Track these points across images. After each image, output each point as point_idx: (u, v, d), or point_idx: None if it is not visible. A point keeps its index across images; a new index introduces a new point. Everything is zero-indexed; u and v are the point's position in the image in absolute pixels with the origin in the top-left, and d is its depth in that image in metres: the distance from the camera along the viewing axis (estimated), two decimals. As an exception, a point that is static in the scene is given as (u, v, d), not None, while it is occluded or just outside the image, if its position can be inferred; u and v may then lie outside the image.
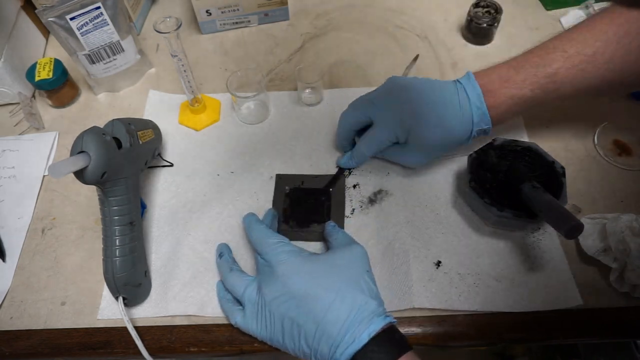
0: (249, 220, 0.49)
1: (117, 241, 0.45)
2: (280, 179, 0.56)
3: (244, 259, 0.51)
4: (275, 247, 0.44)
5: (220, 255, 0.49)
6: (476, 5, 0.68)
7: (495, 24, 0.66)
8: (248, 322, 0.43)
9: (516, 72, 0.47)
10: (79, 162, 0.40)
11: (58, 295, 0.50)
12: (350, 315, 0.37)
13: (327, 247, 0.50)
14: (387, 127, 0.49)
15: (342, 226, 0.52)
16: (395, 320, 0.39)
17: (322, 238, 0.52)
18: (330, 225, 0.50)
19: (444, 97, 0.48)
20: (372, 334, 0.36)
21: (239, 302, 0.46)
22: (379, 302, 0.40)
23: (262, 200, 0.55)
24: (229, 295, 0.47)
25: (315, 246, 0.52)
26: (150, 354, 0.46)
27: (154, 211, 0.55)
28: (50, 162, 0.61)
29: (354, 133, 0.54)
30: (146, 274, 0.49)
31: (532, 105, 0.48)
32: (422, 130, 0.48)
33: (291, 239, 0.47)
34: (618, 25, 0.44)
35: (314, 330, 0.38)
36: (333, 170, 0.57)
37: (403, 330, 0.46)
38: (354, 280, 0.40)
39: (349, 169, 0.57)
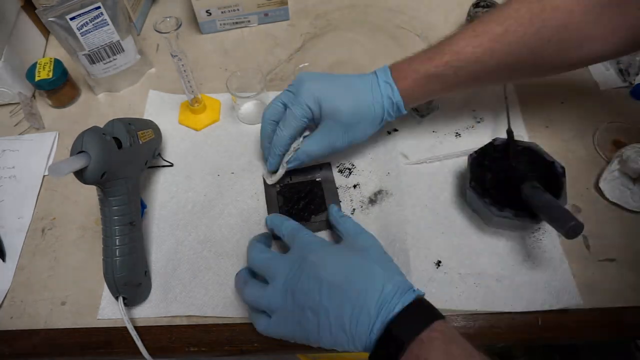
0: (281, 219, 0.49)
1: (117, 241, 0.45)
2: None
3: (244, 258, 0.51)
4: (310, 239, 0.44)
5: (245, 282, 0.46)
6: (476, 5, 0.68)
7: (495, 24, 0.66)
8: (278, 324, 0.42)
9: (424, 53, 0.49)
10: (79, 162, 0.40)
11: (58, 295, 0.50)
12: (384, 292, 0.38)
13: (337, 235, 0.50)
14: (299, 104, 0.49)
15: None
16: (423, 292, 0.40)
17: (327, 226, 0.52)
18: (334, 210, 0.51)
19: (353, 76, 0.51)
20: (405, 304, 0.37)
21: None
22: (404, 277, 0.41)
23: (262, 200, 0.55)
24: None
25: (322, 235, 0.52)
26: (150, 354, 0.46)
27: (154, 211, 0.55)
28: (50, 162, 0.61)
29: (274, 124, 0.53)
30: (146, 274, 0.49)
31: (442, 83, 0.49)
32: (332, 98, 0.49)
33: None
34: (532, 3, 0.44)
35: (351, 313, 0.38)
36: (333, 170, 0.57)
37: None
38: (378, 261, 0.41)
39: (348, 171, 0.57)
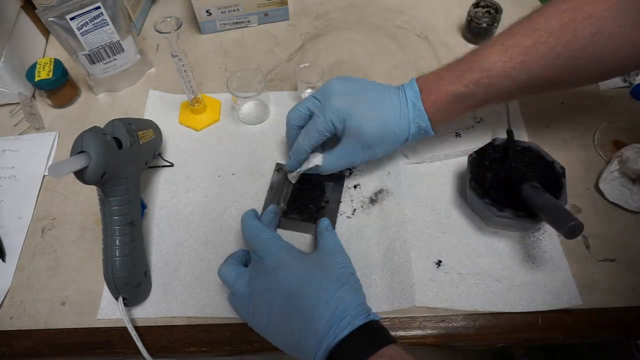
0: (244, 216, 0.48)
1: (117, 241, 0.45)
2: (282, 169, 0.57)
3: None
4: (267, 243, 0.44)
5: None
6: (476, 5, 0.68)
7: (495, 24, 0.66)
8: (238, 305, 0.44)
9: (452, 70, 0.47)
10: (79, 162, 0.40)
11: (58, 295, 0.50)
12: (335, 313, 0.38)
13: (315, 244, 0.50)
14: (323, 115, 0.49)
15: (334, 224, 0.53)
16: (379, 317, 0.40)
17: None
18: (324, 223, 0.50)
19: (381, 92, 0.49)
20: (352, 329, 0.37)
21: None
22: (362, 301, 0.41)
23: (263, 201, 0.55)
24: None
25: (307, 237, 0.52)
26: (150, 354, 0.46)
27: (154, 211, 0.55)
28: (50, 162, 0.61)
29: (298, 130, 0.52)
30: (146, 274, 0.49)
31: (472, 102, 0.47)
32: (357, 119, 0.48)
33: (286, 228, 0.52)
34: (562, 12, 0.43)
35: (300, 326, 0.39)
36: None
37: (403, 330, 0.47)
38: (340, 281, 0.41)
39: (348, 171, 0.57)
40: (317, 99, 0.50)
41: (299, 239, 0.52)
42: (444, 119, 0.49)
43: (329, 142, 0.53)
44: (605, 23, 0.42)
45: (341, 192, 0.55)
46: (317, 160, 0.52)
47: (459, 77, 0.46)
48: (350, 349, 0.37)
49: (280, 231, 0.53)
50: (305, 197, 0.55)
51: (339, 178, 0.56)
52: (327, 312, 0.38)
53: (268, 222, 0.49)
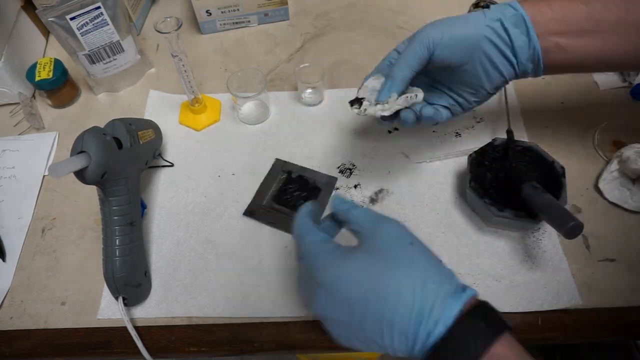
0: (297, 216, 0.38)
1: (117, 241, 0.45)
2: (280, 164, 0.57)
3: (244, 259, 0.51)
4: (316, 248, 0.35)
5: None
6: (476, 5, 0.68)
7: (495, 24, 0.66)
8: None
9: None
10: (79, 162, 0.40)
11: (58, 295, 0.50)
12: (417, 304, 0.29)
13: (352, 233, 0.38)
14: (420, 41, 0.42)
15: None
16: (475, 291, 0.31)
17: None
18: (338, 201, 0.38)
19: (471, 21, 0.42)
20: (450, 322, 0.29)
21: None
22: (443, 275, 0.31)
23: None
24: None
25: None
26: (150, 354, 0.46)
27: (154, 211, 0.55)
28: (50, 162, 0.61)
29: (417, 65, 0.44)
30: (146, 274, 0.49)
31: (583, 32, 0.40)
32: (447, 43, 0.42)
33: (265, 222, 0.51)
34: None
35: (380, 333, 0.30)
36: (334, 171, 0.57)
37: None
38: (405, 260, 0.32)
39: (348, 171, 0.57)
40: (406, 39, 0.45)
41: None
42: (562, 48, 0.41)
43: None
44: None
45: (327, 197, 0.54)
46: (418, 93, 0.44)
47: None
48: (453, 350, 0.28)
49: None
50: (294, 193, 0.55)
51: (329, 182, 0.56)
52: (407, 308, 0.29)
53: (314, 220, 0.38)
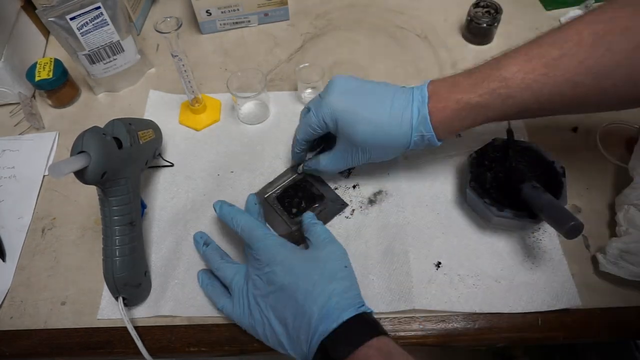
0: (233, 211, 0.47)
1: (117, 241, 0.45)
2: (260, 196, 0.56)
3: (244, 259, 0.51)
4: (264, 239, 0.44)
5: (206, 244, 0.50)
6: (476, 5, 0.68)
7: (495, 24, 0.66)
8: (234, 308, 0.45)
9: (469, 76, 0.43)
10: (79, 162, 0.40)
11: (58, 295, 0.50)
12: (327, 305, 0.38)
13: (306, 243, 0.48)
14: (317, 112, 0.48)
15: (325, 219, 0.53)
16: (371, 309, 0.40)
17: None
18: (307, 216, 0.49)
19: (384, 95, 0.46)
20: (342, 321, 0.37)
21: (227, 290, 0.47)
22: (355, 294, 0.41)
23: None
24: (216, 282, 0.48)
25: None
26: (150, 354, 0.46)
27: (154, 211, 0.55)
28: (50, 162, 0.61)
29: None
30: (146, 274, 0.49)
31: (485, 115, 0.43)
32: (350, 120, 0.46)
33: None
34: (598, 23, 0.38)
35: (292, 321, 0.39)
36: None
37: (403, 330, 0.47)
38: (332, 274, 0.41)
39: (347, 171, 0.57)
40: (321, 95, 0.50)
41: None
42: (451, 130, 0.44)
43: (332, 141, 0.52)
44: None
45: (334, 214, 0.54)
46: (315, 160, 0.53)
47: (474, 85, 0.42)
48: (340, 339, 0.37)
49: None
50: (298, 194, 0.55)
51: (337, 201, 0.55)
52: (318, 306, 0.38)
53: (257, 215, 0.49)
